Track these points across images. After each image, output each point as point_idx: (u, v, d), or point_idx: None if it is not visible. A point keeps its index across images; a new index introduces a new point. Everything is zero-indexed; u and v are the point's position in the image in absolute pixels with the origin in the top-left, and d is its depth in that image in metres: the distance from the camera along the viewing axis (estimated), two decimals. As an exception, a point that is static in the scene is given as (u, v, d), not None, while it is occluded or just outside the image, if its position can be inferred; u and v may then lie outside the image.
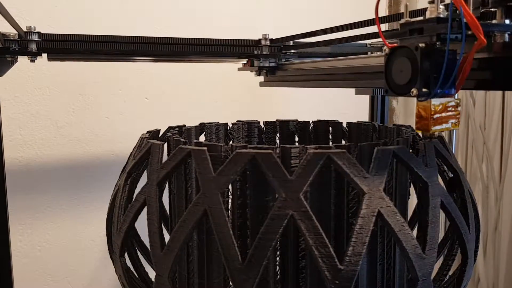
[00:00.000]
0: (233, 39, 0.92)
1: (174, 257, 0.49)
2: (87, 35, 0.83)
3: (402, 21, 0.48)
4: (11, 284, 0.77)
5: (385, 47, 0.48)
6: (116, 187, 0.63)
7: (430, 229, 0.49)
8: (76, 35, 0.82)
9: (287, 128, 0.83)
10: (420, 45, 0.43)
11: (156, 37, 0.88)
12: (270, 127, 0.83)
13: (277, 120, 0.83)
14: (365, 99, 1.09)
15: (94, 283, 1.23)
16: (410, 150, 0.51)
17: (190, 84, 1.27)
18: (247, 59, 0.97)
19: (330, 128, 0.80)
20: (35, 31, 0.78)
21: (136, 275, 0.62)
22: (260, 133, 0.82)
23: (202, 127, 0.76)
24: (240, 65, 1.01)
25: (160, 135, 0.66)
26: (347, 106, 1.39)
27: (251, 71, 0.97)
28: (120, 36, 0.86)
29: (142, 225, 0.56)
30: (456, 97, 0.47)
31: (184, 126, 0.72)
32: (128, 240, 0.58)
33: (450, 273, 0.60)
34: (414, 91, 0.44)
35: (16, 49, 0.77)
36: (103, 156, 1.20)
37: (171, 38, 0.89)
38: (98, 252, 1.21)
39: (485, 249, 1.47)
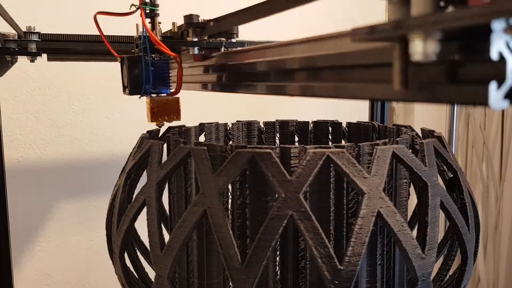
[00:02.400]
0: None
1: (174, 257, 0.49)
2: (87, 35, 0.83)
3: (134, 37, 0.65)
4: (11, 284, 0.77)
5: (118, 57, 0.64)
6: (116, 187, 0.63)
7: (430, 229, 0.49)
8: (76, 35, 0.83)
9: (286, 128, 0.83)
10: (126, 56, 0.58)
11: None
12: (270, 127, 0.83)
13: (276, 120, 0.83)
14: (365, 99, 1.09)
15: (94, 283, 1.23)
16: (410, 150, 0.51)
17: (190, 84, 1.27)
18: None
19: (330, 128, 0.80)
20: (35, 31, 0.78)
21: (136, 275, 0.62)
22: (260, 133, 0.82)
23: (201, 127, 0.76)
24: None
25: (160, 135, 0.66)
26: (347, 106, 1.39)
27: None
28: (120, 36, 0.86)
29: (142, 225, 0.56)
30: (174, 96, 0.59)
31: (184, 126, 0.72)
32: (128, 240, 0.58)
33: (450, 273, 0.60)
34: (126, 90, 0.58)
35: (16, 49, 0.77)
36: (103, 156, 1.20)
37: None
38: (98, 252, 1.21)
39: (485, 249, 1.47)
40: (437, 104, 0.24)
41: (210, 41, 0.57)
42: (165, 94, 0.59)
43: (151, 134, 0.64)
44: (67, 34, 0.82)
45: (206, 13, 0.61)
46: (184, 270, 0.58)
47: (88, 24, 1.15)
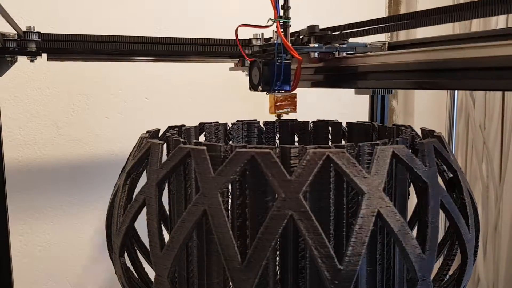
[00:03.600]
0: (224, 39, 0.93)
1: (174, 257, 0.49)
2: (87, 35, 0.83)
3: (259, 43, 0.89)
4: (11, 284, 0.77)
5: (247, 60, 0.80)
6: (116, 187, 0.63)
7: (430, 229, 0.49)
8: (76, 35, 0.82)
9: (286, 128, 0.83)
10: (262, 60, 0.70)
11: (154, 37, 0.88)
12: (270, 127, 0.83)
13: (276, 120, 0.83)
14: (364, 99, 1.09)
15: (93, 283, 1.23)
16: (410, 150, 0.51)
17: (190, 84, 1.27)
18: (238, 59, 0.99)
19: (330, 128, 0.80)
20: (35, 31, 0.78)
21: (136, 275, 0.62)
22: (260, 133, 0.82)
23: (201, 127, 0.76)
24: (232, 65, 1.02)
25: (159, 135, 0.66)
26: (347, 106, 1.39)
27: (242, 70, 1.01)
28: (120, 36, 0.86)
29: (141, 225, 0.56)
30: (292, 92, 0.70)
31: (184, 126, 0.72)
32: (128, 240, 0.58)
33: (450, 273, 0.60)
34: (260, 87, 0.70)
35: (16, 49, 0.77)
36: (103, 156, 1.20)
37: (166, 38, 0.89)
38: (97, 252, 1.21)
39: (485, 249, 1.47)
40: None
41: (327, 47, 0.74)
42: (284, 91, 0.70)
43: (151, 134, 0.64)
44: (67, 34, 0.82)
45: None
46: (184, 270, 0.58)
47: (88, 24, 1.15)
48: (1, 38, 0.74)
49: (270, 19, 0.68)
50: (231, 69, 1.05)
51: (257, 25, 0.72)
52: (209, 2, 1.27)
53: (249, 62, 0.73)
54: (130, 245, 0.61)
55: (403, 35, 1.52)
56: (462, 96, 1.51)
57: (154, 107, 1.24)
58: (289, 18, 0.69)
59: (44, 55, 0.83)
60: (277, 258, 0.53)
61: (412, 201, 0.59)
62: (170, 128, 0.70)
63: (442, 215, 0.52)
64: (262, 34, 0.94)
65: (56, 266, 1.18)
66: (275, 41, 0.69)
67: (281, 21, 0.68)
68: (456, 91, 1.27)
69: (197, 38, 0.91)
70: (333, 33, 0.74)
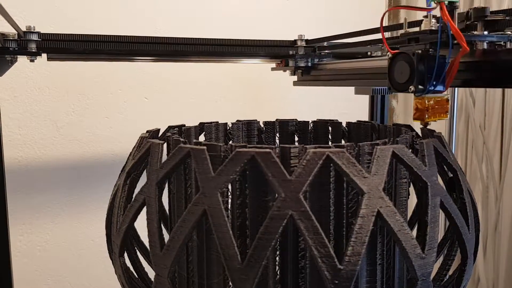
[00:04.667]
0: (270, 40, 0.96)
1: (174, 257, 0.49)
2: (86, 35, 0.83)
3: (402, 31, 0.61)
4: (11, 284, 0.77)
5: (388, 53, 0.60)
6: (116, 187, 0.63)
7: (430, 229, 0.49)
8: (76, 35, 0.82)
9: (286, 128, 0.83)
10: (417, 51, 0.55)
11: (154, 37, 0.88)
12: (270, 127, 0.83)
13: (276, 120, 0.83)
14: (365, 99, 1.09)
15: (94, 283, 1.23)
16: (410, 150, 0.51)
17: (190, 84, 1.27)
18: (281, 59, 1.01)
19: (330, 128, 0.80)
20: (35, 31, 0.78)
21: (136, 275, 0.62)
22: (260, 133, 0.82)
23: (201, 127, 0.76)
24: (273, 65, 1.05)
25: (159, 134, 0.66)
26: (347, 106, 1.39)
27: (284, 71, 1.02)
28: (120, 36, 0.86)
29: (141, 225, 0.56)
30: (445, 94, 0.57)
31: (184, 125, 0.72)
32: (128, 240, 0.58)
33: (450, 273, 0.60)
34: (411, 88, 0.56)
35: (16, 49, 0.77)
36: (103, 156, 1.20)
37: (165, 37, 0.89)
38: (97, 252, 1.21)
39: (485, 249, 1.47)
40: None
41: (499, 35, 0.57)
42: (436, 91, 0.57)
43: (151, 133, 0.64)
44: (67, 34, 0.82)
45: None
46: (184, 270, 0.58)
47: (88, 24, 1.15)
48: (1, 38, 0.74)
49: (433, 0, 0.55)
50: (273, 69, 1.05)
51: (416, 7, 0.60)
52: (208, 3, 1.27)
53: (391, 56, 0.59)
54: (130, 245, 0.61)
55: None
56: (462, 96, 1.51)
57: (154, 107, 1.24)
58: None
59: (44, 55, 0.83)
60: (277, 258, 0.53)
61: (412, 201, 0.59)
62: (170, 128, 0.70)
63: (442, 215, 0.52)
64: (303, 36, 0.94)
65: (56, 266, 1.18)
66: (438, 27, 0.54)
67: (446, 1, 0.54)
68: (456, 90, 1.27)
69: (244, 40, 0.94)
70: (508, 18, 0.57)
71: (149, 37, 0.88)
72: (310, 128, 0.82)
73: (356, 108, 1.22)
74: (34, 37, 0.78)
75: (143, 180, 0.57)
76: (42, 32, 0.79)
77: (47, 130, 1.14)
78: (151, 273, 0.56)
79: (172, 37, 0.89)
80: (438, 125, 1.44)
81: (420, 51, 0.55)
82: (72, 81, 1.15)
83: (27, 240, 1.15)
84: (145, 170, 0.60)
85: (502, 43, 0.58)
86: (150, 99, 1.23)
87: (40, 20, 1.09)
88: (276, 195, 0.45)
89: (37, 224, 1.15)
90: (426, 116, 0.56)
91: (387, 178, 0.47)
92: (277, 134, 0.83)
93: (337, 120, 0.80)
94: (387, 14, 0.54)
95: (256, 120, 0.82)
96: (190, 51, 0.91)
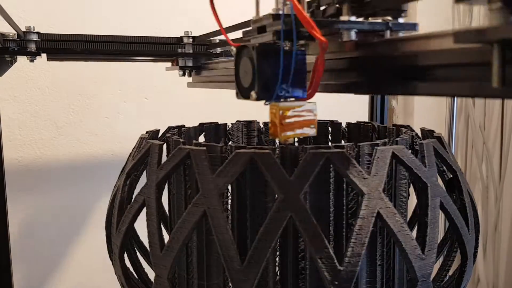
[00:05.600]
0: (154, 37, 0.87)
1: (174, 258, 0.49)
2: (86, 35, 0.83)
3: (252, 18, 0.43)
4: (11, 284, 0.77)
5: (232, 47, 0.44)
6: (115, 187, 0.63)
7: (430, 230, 0.49)
8: (76, 35, 0.82)
9: (286, 128, 0.83)
10: (253, 44, 0.39)
11: (154, 37, 0.88)
12: (270, 127, 0.83)
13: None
14: (364, 99, 1.09)
15: (93, 283, 1.23)
16: (410, 151, 0.51)
17: (190, 84, 1.27)
18: (173, 59, 0.90)
19: (330, 128, 0.80)
20: (34, 31, 0.78)
21: (136, 276, 0.62)
22: (260, 134, 0.82)
23: (201, 128, 0.76)
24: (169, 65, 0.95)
25: (159, 135, 0.66)
26: (346, 106, 1.39)
27: (179, 70, 0.90)
28: (120, 36, 0.86)
29: (141, 226, 0.56)
30: (311, 101, 0.43)
31: (184, 126, 0.72)
32: (127, 241, 0.58)
33: (450, 273, 0.60)
34: (253, 94, 0.40)
35: (15, 49, 0.77)
36: (103, 156, 1.20)
37: (165, 37, 0.88)
38: (97, 252, 1.21)
39: (485, 249, 1.47)
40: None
41: (372, 21, 0.41)
42: (294, 99, 0.42)
43: (151, 134, 0.64)
44: (67, 34, 0.82)
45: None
46: (183, 270, 0.58)
47: (88, 24, 1.15)
48: (1, 38, 0.74)
49: None
50: (167, 68, 0.94)
51: None
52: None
53: (234, 50, 0.43)
54: (130, 246, 0.61)
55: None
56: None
57: (154, 107, 1.24)
58: None
59: (44, 55, 0.83)
60: (277, 259, 0.53)
61: (412, 201, 0.59)
62: (169, 128, 0.70)
63: (442, 216, 0.52)
64: (190, 32, 0.83)
65: (56, 266, 1.18)
66: (281, 12, 0.38)
67: None
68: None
69: (132, 36, 0.85)
70: None
71: (149, 37, 0.88)
72: (310, 128, 0.82)
73: (356, 109, 1.22)
74: (34, 37, 0.78)
75: (142, 181, 0.57)
76: (41, 32, 0.79)
77: (47, 130, 1.14)
78: (151, 274, 0.56)
79: (172, 37, 0.89)
80: (438, 125, 1.44)
81: (259, 45, 0.39)
82: (72, 81, 1.15)
83: (27, 240, 1.15)
84: (144, 171, 0.60)
85: (381, 32, 0.41)
86: (150, 99, 1.23)
87: (40, 20, 1.09)
88: (276, 196, 0.45)
89: (37, 224, 1.15)
90: (280, 132, 0.42)
91: (387, 179, 0.47)
92: (277, 135, 0.83)
93: (336, 120, 0.80)
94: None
95: (256, 120, 0.82)
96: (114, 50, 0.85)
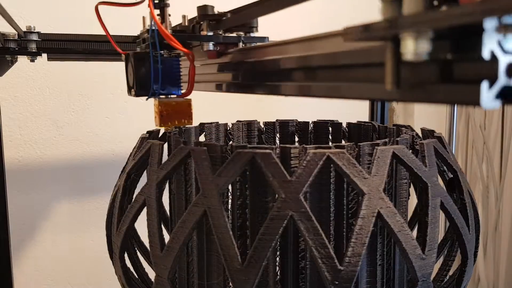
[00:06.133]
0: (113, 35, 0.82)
1: (174, 258, 0.49)
2: (87, 35, 0.83)
3: (139, 31, 0.59)
4: (11, 284, 0.77)
5: (122, 54, 0.57)
6: (116, 187, 0.63)
7: (430, 230, 0.49)
8: (76, 34, 0.82)
9: (287, 128, 0.83)
10: (133, 52, 0.51)
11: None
12: (270, 127, 0.83)
13: (277, 120, 0.83)
14: (365, 99, 1.09)
15: (93, 283, 1.23)
16: (410, 151, 0.51)
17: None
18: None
19: (330, 128, 0.80)
20: (35, 31, 0.78)
21: (136, 276, 0.62)
22: (260, 133, 0.82)
23: (202, 127, 0.76)
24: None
25: (160, 135, 0.66)
26: (347, 106, 1.39)
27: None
28: (120, 36, 0.85)
29: (142, 226, 0.56)
30: (186, 98, 0.53)
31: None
32: (128, 240, 0.58)
33: (450, 273, 0.60)
34: (132, 91, 0.52)
35: (16, 49, 0.77)
36: (103, 156, 1.20)
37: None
38: (98, 252, 1.21)
39: (485, 249, 1.47)
40: (430, 104, 0.24)
41: (227, 35, 0.52)
42: (175, 96, 0.54)
43: (151, 134, 0.64)
44: (67, 34, 0.82)
45: (221, 5, 0.55)
46: (184, 270, 0.58)
47: (88, 24, 1.15)
48: (1, 38, 0.74)
49: None
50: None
51: (119, 3, 0.55)
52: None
53: (123, 56, 0.56)
54: (130, 246, 0.61)
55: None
56: (462, 96, 1.50)
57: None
58: None
59: (44, 55, 0.83)
60: (277, 259, 0.53)
61: (412, 201, 0.59)
62: (170, 128, 0.70)
63: (442, 215, 0.52)
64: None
65: (56, 266, 1.18)
66: (151, 28, 0.50)
67: None
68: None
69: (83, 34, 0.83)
70: (232, 16, 0.52)
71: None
72: (310, 128, 0.82)
73: (356, 108, 1.22)
74: (34, 37, 0.78)
75: (143, 180, 0.57)
76: (42, 32, 0.79)
77: (47, 130, 1.14)
78: (151, 274, 0.56)
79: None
80: (438, 125, 1.44)
81: (135, 52, 0.52)
82: (72, 81, 1.15)
83: (27, 240, 1.15)
84: (145, 171, 0.60)
85: (238, 43, 0.53)
86: (150, 99, 1.23)
87: (40, 20, 1.09)
88: (276, 195, 0.45)
89: (37, 224, 1.15)
90: (159, 121, 0.52)
91: (387, 178, 0.47)
92: (278, 135, 0.83)
93: (337, 120, 0.80)
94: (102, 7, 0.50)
95: (256, 120, 0.82)
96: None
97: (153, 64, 0.50)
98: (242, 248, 0.50)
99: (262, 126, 0.83)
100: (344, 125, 0.79)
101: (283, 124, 0.83)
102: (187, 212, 0.48)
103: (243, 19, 0.50)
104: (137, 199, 0.55)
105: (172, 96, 0.53)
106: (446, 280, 0.60)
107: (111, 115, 1.20)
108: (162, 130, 0.69)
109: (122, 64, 1.19)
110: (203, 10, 0.52)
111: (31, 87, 1.12)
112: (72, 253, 1.19)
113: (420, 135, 0.64)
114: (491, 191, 1.46)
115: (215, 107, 1.29)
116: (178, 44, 0.49)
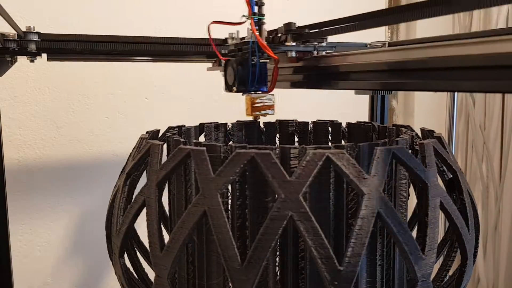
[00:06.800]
0: (199, 38, 0.89)
1: (174, 258, 0.49)
2: (87, 35, 0.83)
3: (234, 42, 0.78)
4: (11, 284, 0.77)
5: (221, 60, 0.73)
6: (116, 187, 0.63)
7: (430, 230, 0.49)
8: (76, 35, 0.82)
9: (286, 129, 0.83)
10: (234, 59, 0.66)
11: (154, 37, 0.88)
12: (270, 128, 0.83)
13: (276, 120, 0.83)
14: (364, 99, 1.09)
15: (93, 284, 1.23)
16: (410, 151, 0.51)
17: (190, 84, 1.27)
18: (215, 59, 0.96)
19: (330, 129, 0.80)
20: (35, 31, 0.78)
21: (136, 276, 0.62)
22: (260, 134, 0.82)
23: (201, 127, 0.76)
24: (210, 65, 0.98)
25: (159, 135, 0.66)
26: (347, 106, 1.39)
27: (220, 71, 0.93)
28: (119, 36, 0.85)
29: (141, 226, 0.56)
30: (270, 94, 0.67)
31: (184, 126, 0.72)
32: (128, 241, 0.58)
33: (450, 273, 0.60)
34: (234, 88, 0.67)
35: (16, 49, 0.76)
36: (103, 156, 1.20)
37: (165, 37, 0.88)
38: (97, 253, 1.21)
39: (485, 249, 1.47)
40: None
41: (305, 45, 0.69)
42: (260, 92, 0.67)
43: (151, 134, 0.64)
44: (67, 34, 0.82)
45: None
46: (184, 270, 0.58)
47: (88, 24, 1.15)
48: (1, 38, 0.74)
49: (244, 15, 0.66)
50: (208, 69, 1.00)
51: (229, 22, 0.69)
52: (209, 2, 1.27)
53: (224, 62, 0.70)
54: (130, 246, 0.61)
55: (403, 35, 1.52)
56: (462, 96, 1.51)
57: (154, 107, 1.24)
58: (263, 15, 0.66)
59: (44, 55, 0.82)
60: (277, 259, 0.53)
61: (412, 201, 0.59)
62: (170, 128, 0.70)
63: (442, 216, 0.52)
64: (238, 32, 0.87)
65: (56, 266, 1.18)
66: (250, 39, 0.66)
67: (255, 18, 0.65)
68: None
69: (172, 37, 0.88)
70: (310, 31, 0.68)
71: (149, 37, 0.87)
72: (310, 128, 0.82)
73: (356, 109, 1.22)
74: (34, 37, 0.78)
75: (143, 181, 0.57)
76: (42, 32, 0.79)
77: (47, 130, 1.14)
78: (151, 274, 0.56)
79: (171, 37, 0.89)
80: (438, 125, 1.44)
81: (238, 59, 0.67)
82: (72, 81, 1.15)
83: (27, 240, 1.15)
84: (145, 171, 0.60)
85: (312, 51, 0.70)
86: (150, 99, 1.23)
87: (40, 20, 1.09)
88: (276, 196, 0.45)
89: (37, 224, 1.15)
90: (251, 111, 0.67)
91: (387, 179, 0.47)
92: (277, 135, 0.83)
93: (337, 120, 0.80)
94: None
95: (256, 120, 0.82)
96: (169, 51, 0.88)
97: (251, 68, 0.65)
98: (242, 248, 0.50)
99: (262, 126, 0.83)
100: (343, 125, 0.79)
101: (283, 124, 0.83)
102: (186, 212, 0.48)
103: (318, 34, 0.67)
104: (136, 200, 0.55)
105: (258, 92, 0.68)
106: (445, 280, 0.60)
107: (111, 115, 1.20)
108: (161, 131, 0.69)
109: (122, 64, 1.19)
110: (288, 26, 0.69)
111: (31, 87, 1.12)
112: (72, 253, 1.19)
113: (420, 135, 0.64)
114: (491, 191, 1.46)
115: (214, 107, 1.29)
116: (271, 52, 0.63)
